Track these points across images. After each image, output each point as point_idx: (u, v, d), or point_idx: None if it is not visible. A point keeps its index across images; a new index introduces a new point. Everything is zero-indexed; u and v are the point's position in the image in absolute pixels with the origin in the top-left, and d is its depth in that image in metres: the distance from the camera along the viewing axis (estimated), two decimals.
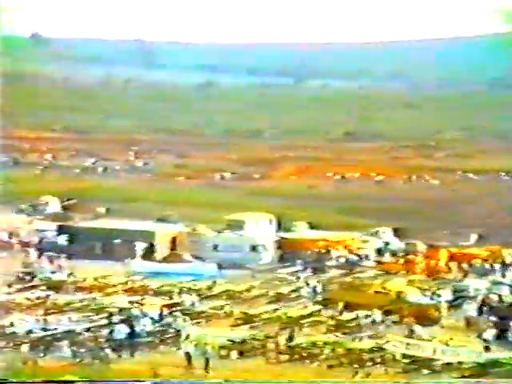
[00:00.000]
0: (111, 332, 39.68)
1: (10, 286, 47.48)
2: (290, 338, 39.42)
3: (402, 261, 53.84)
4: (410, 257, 54.25)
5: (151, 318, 41.51)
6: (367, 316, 42.33)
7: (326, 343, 39.19)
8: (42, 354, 37.43)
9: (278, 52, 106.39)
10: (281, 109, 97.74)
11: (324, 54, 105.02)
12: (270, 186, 77.00)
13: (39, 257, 54.11)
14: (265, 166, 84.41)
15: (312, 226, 59.61)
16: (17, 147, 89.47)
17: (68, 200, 70.25)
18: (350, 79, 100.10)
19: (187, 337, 38.88)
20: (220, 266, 52.55)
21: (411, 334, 39.99)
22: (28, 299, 45.01)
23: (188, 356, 36.79)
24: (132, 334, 39.82)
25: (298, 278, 50.43)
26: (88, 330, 40.19)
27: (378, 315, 42.34)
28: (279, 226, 58.86)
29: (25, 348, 37.94)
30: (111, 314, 41.92)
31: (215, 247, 55.79)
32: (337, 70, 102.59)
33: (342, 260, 54.68)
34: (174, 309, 43.58)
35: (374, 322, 42.05)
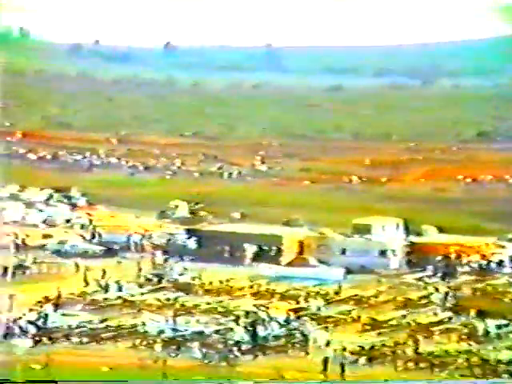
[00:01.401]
0: (238, 335, 39.69)
1: (141, 286, 48.43)
2: (418, 346, 38.33)
3: None
4: None
5: (278, 322, 41.27)
6: (504, 325, 40.59)
7: (458, 352, 37.88)
8: (173, 354, 37.83)
9: (405, 52, 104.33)
10: (409, 110, 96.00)
11: (453, 53, 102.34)
12: (398, 189, 75.59)
13: (167, 259, 54.97)
14: (392, 169, 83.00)
15: (442, 230, 57.98)
16: (148, 152, 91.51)
17: (196, 204, 71.23)
18: (482, 78, 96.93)
19: (326, 343, 38.34)
20: (347, 271, 51.86)
21: None
22: (158, 300, 45.71)
23: (325, 361, 36.33)
24: (259, 338, 39.71)
25: (427, 283, 49.11)
26: (216, 332, 40.35)
27: None
28: (407, 230, 57.57)
29: (157, 347, 38.46)
30: (238, 317, 41.96)
31: (343, 251, 55.14)
32: (468, 68, 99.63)
33: (475, 266, 52.87)
34: (300, 313, 43.21)
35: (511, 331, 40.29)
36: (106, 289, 47.59)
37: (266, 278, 50.68)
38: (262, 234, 57.70)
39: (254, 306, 44.24)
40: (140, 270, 51.24)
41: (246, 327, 40.27)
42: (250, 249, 55.43)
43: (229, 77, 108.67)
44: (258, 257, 55.11)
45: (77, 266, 51.71)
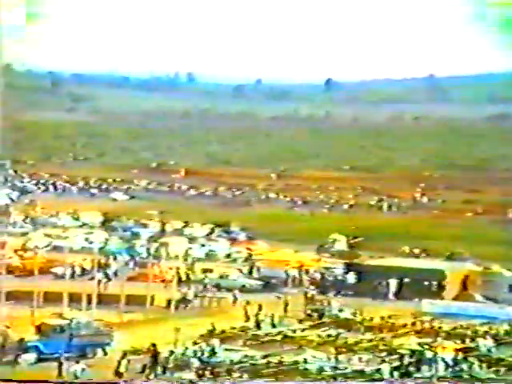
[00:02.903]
0: (404, 374, 38.24)
1: (300, 322, 47.86)
2: None
3: None
4: None
5: (444, 362, 39.44)
6: None
7: None
8: None
9: None
10: None
11: None
12: None
13: (325, 294, 54.16)
14: None
15: None
16: (306, 187, 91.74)
17: (354, 238, 70.34)
18: None
19: None
20: None
21: None
22: (319, 336, 44.92)
23: None
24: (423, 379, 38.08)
25: None
26: (377, 370, 39.07)
27: None
28: None
29: None
30: (402, 356, 40.42)
31: (510, 288, 52.45)
32: None
33: None
34: (468, 354, 41.10)
35: None
36: (265, 324, 47.30)
37: (429, 315, 48.86)
38: (423, 269, 55.95)
39: (419, 344, 42.51)
40: (298, 305, 50.67)
41: (411, 367, 38.56)
42: (393, 283, 53.86)
43: (389, 109, 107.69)
44: (419, 292, 53.35)
45: (236, 300, 51.87)
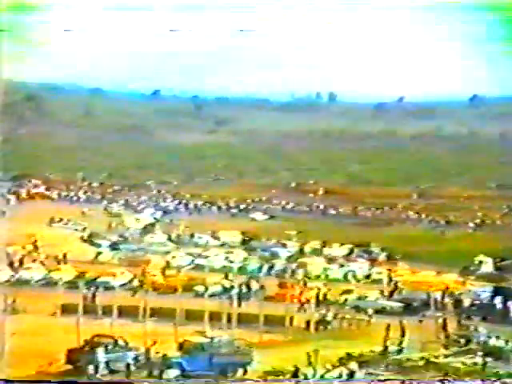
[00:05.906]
0: None
1: (445, 347, 45.99)
2: None
3: None
4: None
5: None
6: None
7: None
8: None
9: None
10: None
11: None
12: None
13: (471, 319, 51.93)
14: None
15: None
16: (448, 206, 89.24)
17: (502, 260, 67.59)
18: None
19: None
20: None
21: None
22: (464, 364, 42.97)
23: None
24: None
25: None
26: None
27: None
28: None
29: None
30: None
31: None
32: None
33: None
34: None
35: None
36: (405, 348, 45.72)
37: None
38: None
39: None
40: (442, 329, 48.75)
41: None
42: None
43: None
44: None
45: (370, 322, 50.61)
